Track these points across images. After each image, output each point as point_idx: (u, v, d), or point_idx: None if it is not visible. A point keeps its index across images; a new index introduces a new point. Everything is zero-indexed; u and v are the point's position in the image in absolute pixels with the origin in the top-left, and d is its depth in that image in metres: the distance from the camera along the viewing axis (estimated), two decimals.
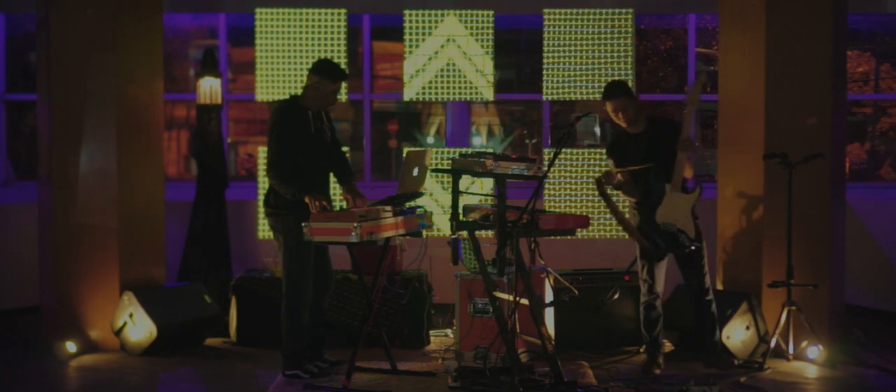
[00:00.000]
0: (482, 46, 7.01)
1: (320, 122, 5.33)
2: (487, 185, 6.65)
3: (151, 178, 6.40)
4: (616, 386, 5.04)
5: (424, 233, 5.39)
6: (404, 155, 5.38)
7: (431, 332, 6.43)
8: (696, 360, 5.72)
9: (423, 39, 7.03)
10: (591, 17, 7.04)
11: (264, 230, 6.86)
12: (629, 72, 6.97)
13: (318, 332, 5.44)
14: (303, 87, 5.35)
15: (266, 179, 5.49)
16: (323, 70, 5.25)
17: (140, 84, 6.31)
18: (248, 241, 7.50)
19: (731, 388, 5.17)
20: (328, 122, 5.44)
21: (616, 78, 6.83)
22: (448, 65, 7.03)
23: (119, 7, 6.15)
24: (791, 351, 5.76)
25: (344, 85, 6.89)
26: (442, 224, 6.83)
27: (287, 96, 5.79)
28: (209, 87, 7.05)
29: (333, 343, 6.00)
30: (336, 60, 6.61)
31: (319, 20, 7.00)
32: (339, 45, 6.99)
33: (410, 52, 7.04)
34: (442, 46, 7.02)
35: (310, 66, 5.34)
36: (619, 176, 5.34)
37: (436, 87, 7.05)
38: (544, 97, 7.17)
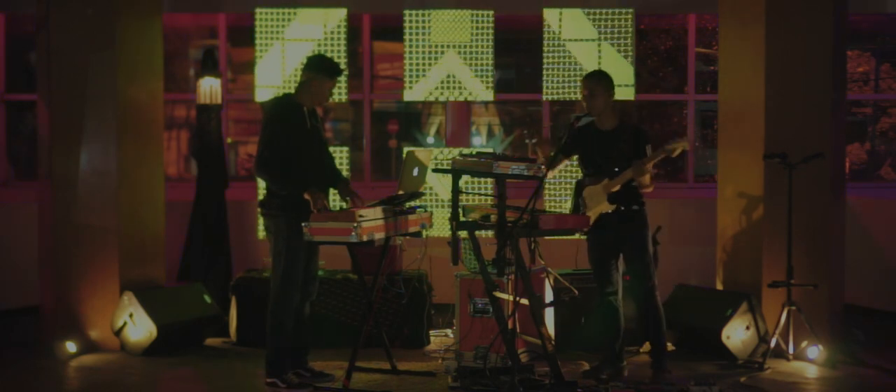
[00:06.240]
0: (482, 46, 7.01)
1: (315, 119, 5.28)
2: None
3: (151, 178, 6.40)
4: (616, 386, 5.04)
5: (424, 233, 5.40)
6: (404, 155, 5.38)
7: (431, 332, 6.44)
8: (696, 361, 5.72)
9: (423, 39, 7.02)
10: (591, 17, 7.04)
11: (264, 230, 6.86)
12: (629, 72, 6.97)
13: (301, 338, 5.30)
14: (297, 84, 5.26)
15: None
16: (319, 66, 5.16)
17: (140, 84, 6.31)
18: (248, 241, 7.50)
19: (731, 388, 5.17)
20: (320, 120, 5.39)
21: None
22: (448, 66, 7.02)
23: (119, 7, 6.15)
24: (791, 351, 5.77)
25: (344, 85, 6.93)
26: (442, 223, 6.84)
27: (280, 93, 5.73)
28: (209, 87, 7.05)
29: (333, 343, 6.01)
30: (336, 60, 6.61)
31: (319, 20, 7.00)
32: (339, 45, 6.99)
33: (410, 53, 7.03)
34: (442, 48, 7.02)
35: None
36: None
37: (436, 89, 7.05)
38: (544, 97, 7.17)
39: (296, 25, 7.00)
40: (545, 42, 7.06)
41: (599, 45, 7.01)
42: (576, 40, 7.03)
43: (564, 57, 7.02)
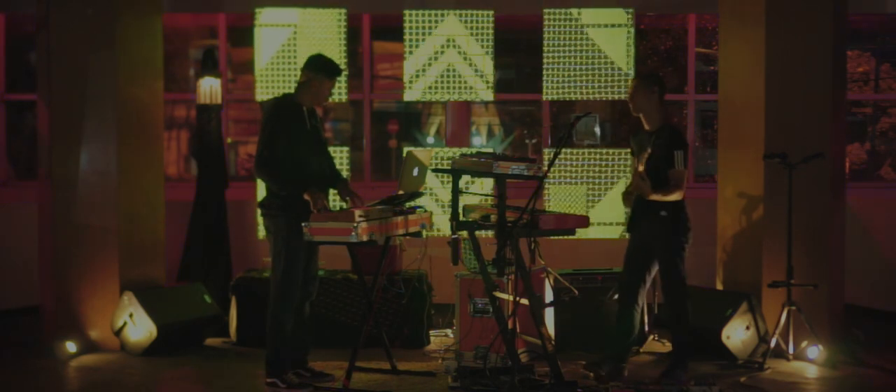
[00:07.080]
0: (482, 46, 7.01)
1: (314, 119, 5.28)
2: (487, 184, 6.65)
3: (151, 178, 6.41)
4: (616, 386, 5.04)
5: (424, 233, 5.39)
6: (404, 155, 5.38)
7: (431, 332, 6.44)
8: (696, 361, 5.72)
9: (423, 39, 7.02)
10: (592, 17, 7.03)
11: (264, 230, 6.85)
12: (629, 72, 6.96)
13: (301, 338, 5.30)
14: (297, 84, 5.27)
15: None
16: (319, 66, 5.17)
17: (140, 84, 6.31)
18: (248, 241, 7.50)
19: (731, 388, 5.17)
20: (319, 120, 5.38)
21: (624, 77, 6.88)
22: (448, 66, 7.02)
23: (119, 7, 6.15)
24: (791, 351, 5.77)
25: (344, 85, 6.92)
26: (442, 224, 6.83)
27: (280, 94, 5.73)
28: (209, 87, 7.05)
29: (333, 343, 6.01)
30: (336, 60, 6.61)
31: (319, 20, 7.00)
32: (339, 45, 6.98)
33: (410, 53, 7.03)
34: (442, 48, 7.02)
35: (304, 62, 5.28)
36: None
37: (436, 88, 7.05)
38: (544, 97, 7.17)
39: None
40: (546, 39, 7.04)
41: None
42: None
43: (576, 51, 6.99)
